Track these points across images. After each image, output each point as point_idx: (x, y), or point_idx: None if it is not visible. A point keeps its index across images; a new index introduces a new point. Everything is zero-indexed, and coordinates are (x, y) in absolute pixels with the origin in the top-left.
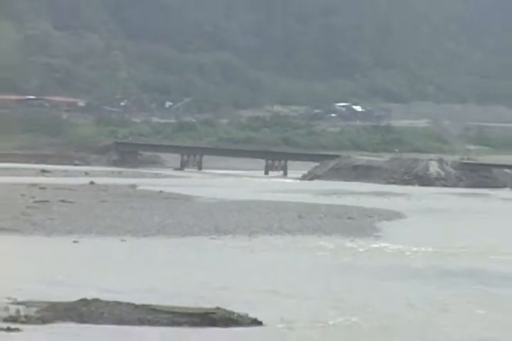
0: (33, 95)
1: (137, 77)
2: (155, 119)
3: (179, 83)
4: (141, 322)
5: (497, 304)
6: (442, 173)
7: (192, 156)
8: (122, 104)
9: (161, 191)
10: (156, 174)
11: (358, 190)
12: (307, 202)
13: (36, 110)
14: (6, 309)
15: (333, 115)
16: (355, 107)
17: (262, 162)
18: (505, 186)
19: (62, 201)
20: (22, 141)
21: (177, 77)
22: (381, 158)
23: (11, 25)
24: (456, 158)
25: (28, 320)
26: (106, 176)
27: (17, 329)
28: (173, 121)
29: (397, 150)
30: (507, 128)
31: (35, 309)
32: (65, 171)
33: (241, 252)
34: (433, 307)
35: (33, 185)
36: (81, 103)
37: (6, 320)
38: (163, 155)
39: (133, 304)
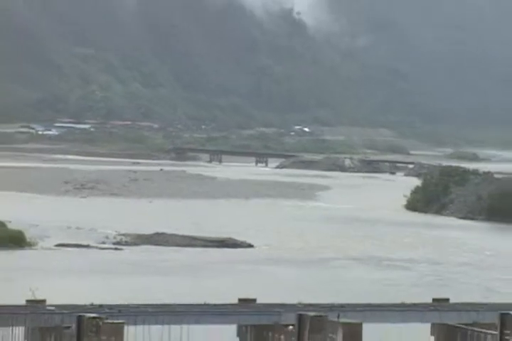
0: (129, 121)
1: (186, 112)
2: (196, 135)
3: (209, 115)
4: (188, 245)
5: (374, 234)
6: (352, 165)
7: (216, 155)
8: (178, 126)
9: (199, 174)
10: (195, 165)
11: (306, 173)
12: (278, 180)
13: (130, 130)
14: (115, 237)
15: (292, 133)
16: (305, 129)
17: (253, 158)
18: (386, 172)
19: (145, 179)
20: (123, 146)
21: (207, 112)
22: (319, 157)
23: (121, 86)
24: (359, 156)
25: (126, 243)
26: (168, 166)
27: (121, 249)
28: (205, 136)
29: (327, 155)
30: (386, 141)
31: (130, 237)
32: (146, 163)
33: (241, 207)
34: (340, 237)
35: (129, 170)
36: (155, 126)
37: (114, 243)
38: (200, 155)
39: (183, 235)
